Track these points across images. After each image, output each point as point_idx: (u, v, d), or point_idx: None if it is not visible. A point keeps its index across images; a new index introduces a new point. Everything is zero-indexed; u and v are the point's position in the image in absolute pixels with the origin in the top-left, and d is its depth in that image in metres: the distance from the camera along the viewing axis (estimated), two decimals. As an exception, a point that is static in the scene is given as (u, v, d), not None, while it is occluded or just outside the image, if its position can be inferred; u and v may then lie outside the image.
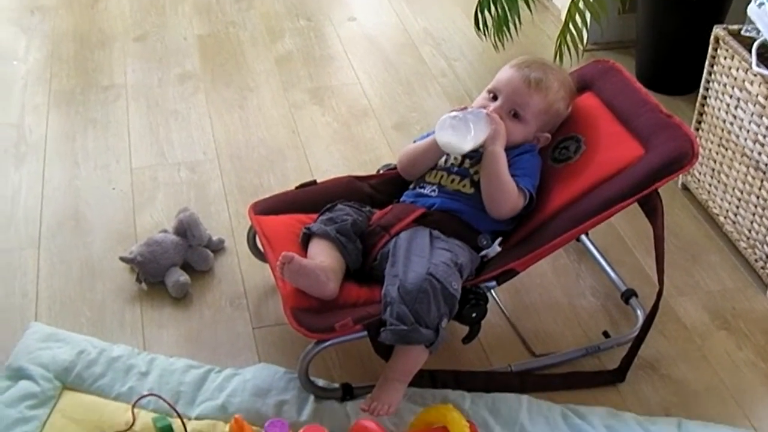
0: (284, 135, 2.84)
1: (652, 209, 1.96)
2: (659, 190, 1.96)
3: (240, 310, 2.21)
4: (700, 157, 2.43)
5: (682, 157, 1.94)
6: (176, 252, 2.28)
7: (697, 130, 2.48)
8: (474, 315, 1.92)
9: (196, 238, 2.30)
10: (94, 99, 2.99)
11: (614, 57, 2.31)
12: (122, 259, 2.27)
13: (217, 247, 2.38)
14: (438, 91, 3.07)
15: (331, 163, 2.72)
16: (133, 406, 1.86)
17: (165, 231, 2.35)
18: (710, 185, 2.46)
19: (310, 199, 2.18)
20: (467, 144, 1.96)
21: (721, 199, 2.41)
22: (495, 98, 2.10)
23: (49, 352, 2.01)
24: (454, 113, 1.99)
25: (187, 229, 2.30)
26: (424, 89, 3.09)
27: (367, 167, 2.65)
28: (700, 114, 2.46)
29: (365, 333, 1.86)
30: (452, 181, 2.08)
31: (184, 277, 2.24)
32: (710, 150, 2.43)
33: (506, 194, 2.00)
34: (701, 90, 2.44)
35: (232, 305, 2.23)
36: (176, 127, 2.86)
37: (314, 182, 2.24)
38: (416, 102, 3.02)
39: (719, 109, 2.36)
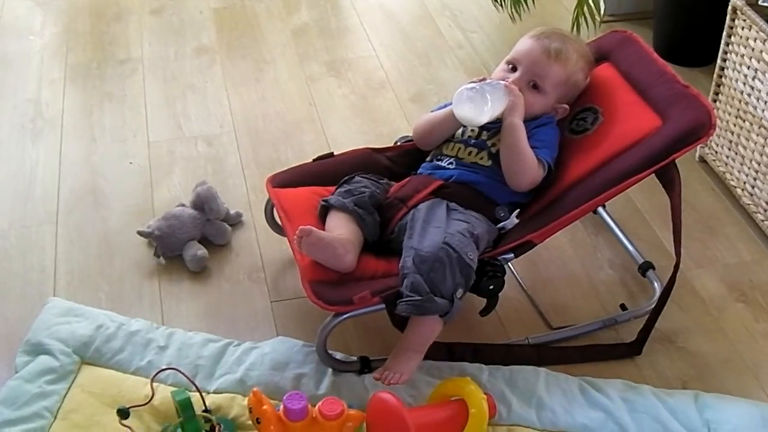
0: (301, 108, 2.83)
1: (670, 181, 1.96)
2: (676, 162, 1.95)
3: (258, 284, 2.22)
4: (717, 129, 2.42)
5: (700, 128, 1.93)
6: (194, 226, 2.29)
7: (715, 101, 2.46)
8: (491, 287, 1.92)
9: (214, 212, 2.31)
10: (111, 73, 2.99)
11: (631, 28, 2.29)
12: (140, 233, 2.28)
13: (235, 221, 2.39)
14: (455, 63, 3.06)
15: (348, 135, 2.72)
16: (152, 380, 1.87)
17: (183, 205, 2.36)
18: (727, 157, 2.44)
19: (327, 171, 2.18)
20: (484, 116, 1.96)
21: (739, 171, 2.39)
22: (514, 69, 2.09)
23: (67, 327, 2.02)
24: (471, 84, 1.99)
25: (204, 203, 2.30)
26: (440, 61, 3.08)
27: (384, 140, 2.65)
28: (718, 85, 2.44)
29: (383, 305, 1.87)
30: (469, 153, 2.07)
31: (202, 251, 2.25)
32: (728, 122, 2.41)
33: (526, 165, 1.99)
34: (718, 61, 2.42)
35: (250, 279, 2.24)
36: (193, 100, 2.86)
37: (331, 155, 2.24)
38: (433, 74, 3.01)
39: (737, 81, 2.34)
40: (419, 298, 1.80)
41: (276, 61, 3.06)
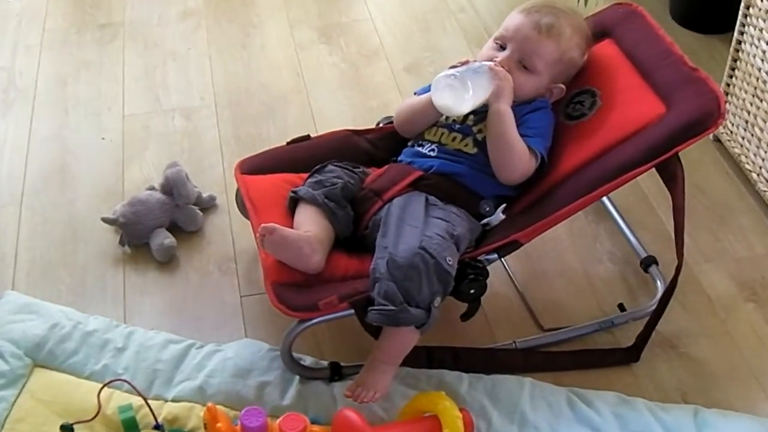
0: (288, 78, 2.65)
1: (672, 176, 1.77)
2: (680, 154, 1.77)
3: (228, 276, 2.07)
4: (733, 107, 2.24)
5: (707, 118, 1.74)
6: (162, 212, 2.14)
7: (731, 77, 2.25)
8: (472, 291, 1.75)
9: (183, 197, 2.15)
10: (90, 39, 2.82)
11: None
12: (104, 219, 2.13)
13: (208, 205, 2.23)
14: (455, 29, 2.85)
15: (335, 109, 2.54)
16: (99, 394, 1.73)
17: (152, 188, 2.21)
18: (743, 138, 2.24)
19: (302, 156, 2.01)
20: (465, 105, 1.77)
21: (755, 155, 2.19)
22: (503, 47, 1.91)
23: (20, 326, 1.88)
24: (451, 71, 1.80)
25: (173, 187, 2.14)
26: (440, 26, 2.87)
27: (373, 113, 2.47)
28: (734, 60, 2.23)
29: (352, 311, 1.71)
30: (453, 139, 1.90)
31: (169, 239, 2.10)
32: (744, 100, 2.20)
33: (515, 156, 1.81)
34: (736, 34, 2.20)
35: (220, 270, 2.09)
36: (174, 69, 2.69)
37: (307, 137, 2.06)
38: (431, 40, 2.81)
39: (754, 56, 2.13)
40: (393, 308, 1.64)
41: (264, 26, 2.86)
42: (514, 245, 1.79)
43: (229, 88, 2.61)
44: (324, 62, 2.72)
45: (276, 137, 2.40)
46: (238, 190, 2.06)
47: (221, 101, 2.56)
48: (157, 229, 2.12)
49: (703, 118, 1.73)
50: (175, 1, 2.98)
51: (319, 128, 2.43)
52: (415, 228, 1.72)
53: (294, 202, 1.86)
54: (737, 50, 2.21)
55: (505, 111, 1.81)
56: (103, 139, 2.44)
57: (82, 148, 2.41)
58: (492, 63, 1.85)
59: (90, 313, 1.96)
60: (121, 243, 2.12)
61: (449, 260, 1.69)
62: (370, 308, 1.67)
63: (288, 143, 2.05)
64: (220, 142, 2.42)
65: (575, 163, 1.82)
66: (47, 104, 2.57)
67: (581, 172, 1.80)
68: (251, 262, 2.09)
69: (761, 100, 2.12)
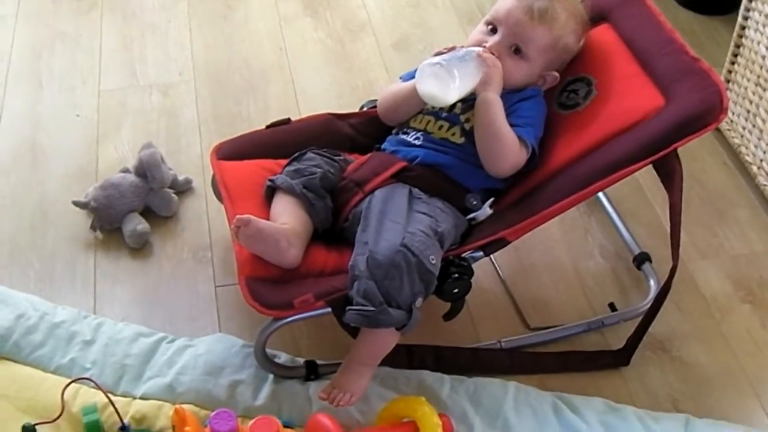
0: (270, 53, 2.55)
1: (669, 173, 1.68)
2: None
3: (203, 265, 1.98)
4: (734, 96, 2.14)
5: (708, 113, 1.64)
6: (135, 196, 2.04)
7: (733, 63, 2.16)
8: (456, 291, 1.67)
9: (157, 181, 2.05)
10: (67, 8, 2.71)
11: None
12: (75, 203, 2.04)
13: (184, 188, 2.14)
14: (446, 4, 2.74)
15: (319, 87, 2.43)
16: (63, 393, 1.64)
17: (126, 170, 2.11)
18: (744, 128, 2.15)
19: (281, 141, 1.91)
20: (451, 94, 1.68)
21: (756, 146, 2.10)
22: (494, 31, 1.81)
23: (-15, 316, 1.80)
24: (437, 58, 1.70)
25: (147, 170, 2.05)
26: (430, 1, 2.75)
27: (358, 93, 2.39)
28: (737, 46, 2.13)
29: (329, 309, 1.63)
30: (440, 127, 1.80)
31: (142, 225, 2.01)
32: (746, 89, 2.11)
33: (505, 147, 1.72)
34: (740, 19, 2.10)
35: (195, 258, 2.00)
36: (152, 42, 2.58)
37: (287, 121, 1.96)
38: (421, 16, 2.70)
39: (759, 43, 2.04)
40: (372, 308, 1.55)
41: (248, -3, 2.76)
42: (501, 243, 1.70)
43: (209, 63, 2.51)
44: (309, 37, 2.61)
45: (256, 116, 2.31)
46: (213, 178, 1.96)
47: (200, 77, 2.46)
48: (130, 214, 2.03)
49: (704, 113, 1.64)
50: (157, -32, 2.87)
51: (301, 107, 2.34)
52: (397, 224, 1.64)
53: (271, 191, 1.77)
54: (741, 36, 2.11)
55: (493, 99, 1.71)
56: (77, 116, 2.34)
57: (55, 125, 2.32)
58: (480, 49, 1.75)
59: (59, 301, 1.88)
60: (93, 228, 2.03)
61: (432, 259, 1.60)
62: (348, 308, 1.58)
63: (267, 127, 1.95)
64: (198, 121, 2.32)
65: (567, 156, 1.73)
66: (21, 77, 2.46)
67: (574, 167, 1.71)
68: (227, 250, 2.00)
69: (764, 90, 2.03)
